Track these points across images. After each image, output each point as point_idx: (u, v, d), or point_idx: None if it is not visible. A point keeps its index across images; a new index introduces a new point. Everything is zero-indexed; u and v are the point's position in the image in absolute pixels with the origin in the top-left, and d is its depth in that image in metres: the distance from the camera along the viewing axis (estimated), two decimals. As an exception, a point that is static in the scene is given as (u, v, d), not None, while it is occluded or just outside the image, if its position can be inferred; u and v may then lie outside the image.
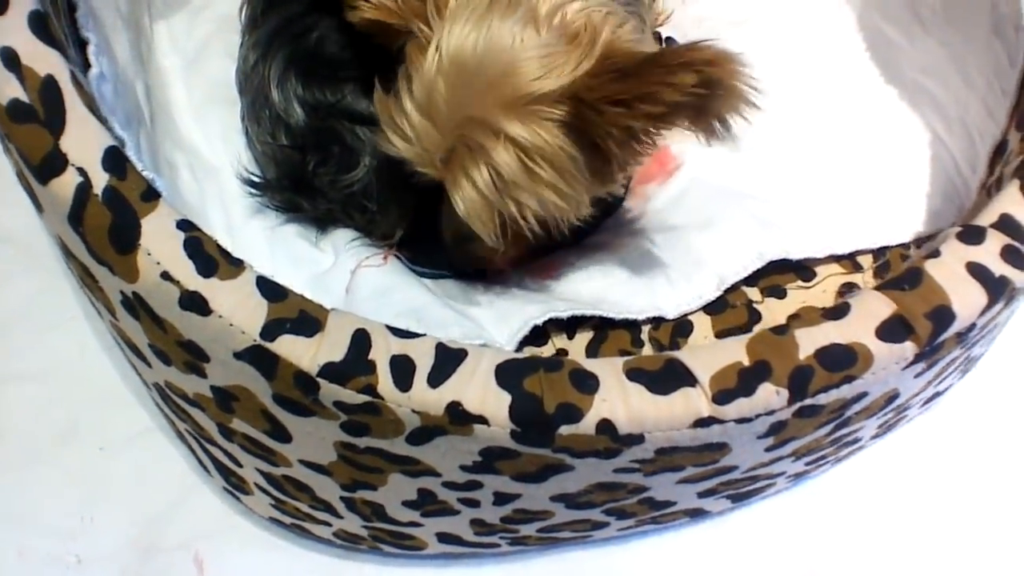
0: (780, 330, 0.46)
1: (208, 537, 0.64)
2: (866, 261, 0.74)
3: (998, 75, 0.69)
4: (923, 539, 0.67)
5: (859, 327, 0.46)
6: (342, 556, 0.63)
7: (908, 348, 0.46)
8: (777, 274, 0.73)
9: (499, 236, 0.57)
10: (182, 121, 0.77)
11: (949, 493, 0.69)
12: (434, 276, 0.71)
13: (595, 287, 0.71)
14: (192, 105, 0.78)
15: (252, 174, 0.72)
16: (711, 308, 0.71)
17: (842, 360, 0.45)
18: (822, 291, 0.73)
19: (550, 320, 0.68)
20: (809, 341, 0.45)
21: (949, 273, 0.47)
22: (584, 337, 0.70)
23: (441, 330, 0.65)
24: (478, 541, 0.58)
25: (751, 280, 0.72)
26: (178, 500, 0.66)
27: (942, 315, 0.46)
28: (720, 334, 0.70)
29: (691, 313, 0.71)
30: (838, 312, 0.47)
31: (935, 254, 0.49)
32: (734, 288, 0.72)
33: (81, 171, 0.44)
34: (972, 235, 0.49)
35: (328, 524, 0.58)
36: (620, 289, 0.71)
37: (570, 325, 0.70)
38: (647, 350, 0.70)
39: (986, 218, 0.50)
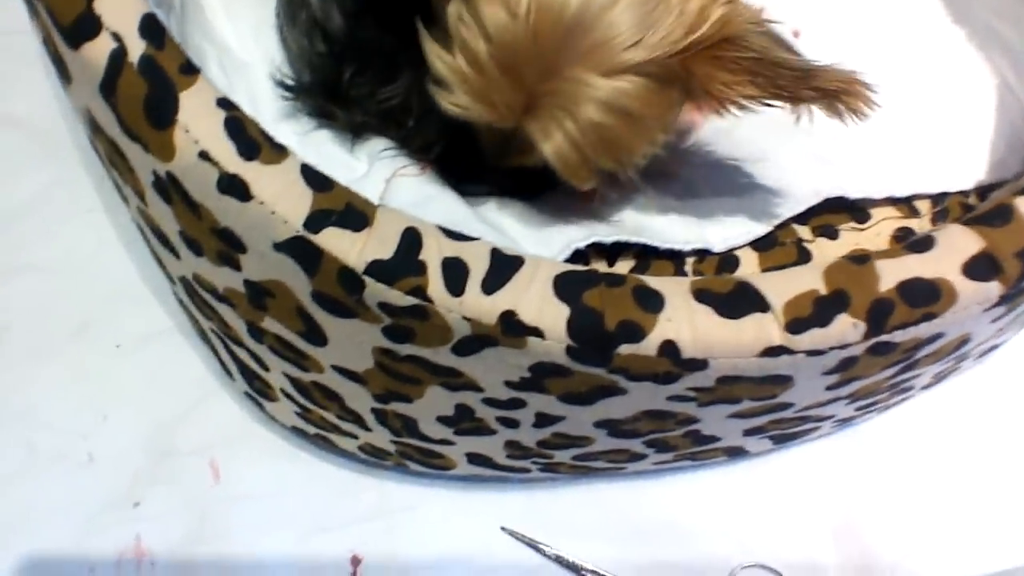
0: (860, 259, 0.43)
1: (225, 443, 0.62)
2: (924, 206, 0.70)
3: (1080, 22, 0.65)
4: (960, 491, 0.65)
5: (945, 262, 0.43)
6: (363, 471, 0.61)
7: (994, 288, 0.43)
8: (830, 213, 0.69)
9: (595, 181, 0.55)
10: (212, 11, 0.72)
11: (988, 448, 0.66)
12: (474, 194, 0.68)
13: (639, 215, 0.68)
14: (224, -6, 0.73)
15: (285, 76, 0.68)
16: (759, 244, 0.68)
17: (925, 295, 0.42)
18: (876, 234, 0.69)
19: (591, 245, 0.64)
20: (891, 273, 0.42)
21: (1043, 211, 0.44)
22: (625, 265, 0.67)
23: (480, 246, 0.62)
24: (509, 465, 0.56)
25: (802, 218, 0.69)
26: (195, 404, 0.63)
27: (1033, 255, 0.43)
28: (767, 271, 0.67)
29: (738, 248, 0.68)
30: (922, 245, 0.44)
31: (1027, 191, 0.45)
32: (784, 225, 0.68)
33: (116, 36, 0.41)
34: (1069, 173, 0.46)
35: (355, 436, 0.56)
36: (665, 219, 0.68)
37: (612, 252, 0.67)
38: (690, 282, 0.67)
39: (1084, 157, 0.46)
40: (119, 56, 0.41)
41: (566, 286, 0.41)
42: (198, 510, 0.60)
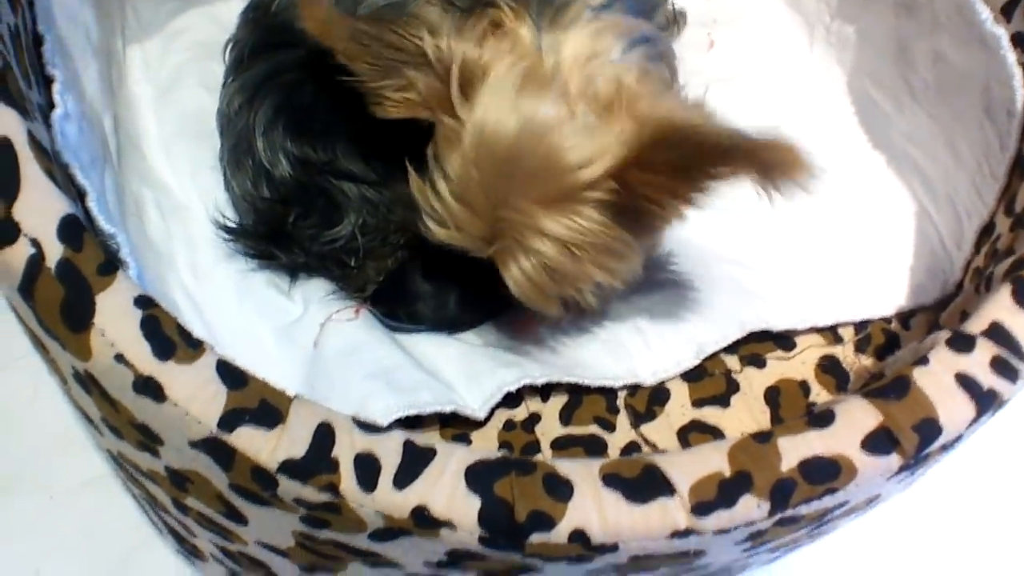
0: (763, 437, 0.44)
1: (160, 596, 0.62)
2: (847, 333, 0.73)
3: (988, 157, 0.68)
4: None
5: (844, 438, 0.44)
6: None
7: (893, 461, 0.45)
8: (756, 342, 0.71)
9: (559, 309, 0.58)
10: (151, 155, 0.74)
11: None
12: (407, 331, 0.69)
13: (572, 349, 0.70)
14: (162, 138, 0.75)
15: (227, 219, 0.70)
16: (689, 375, 0.70)
17: (825, 473, 0.43)
18: (801, 363, 0.71)
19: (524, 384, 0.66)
20: (793, 451, 0.44)
21: (937, 384, 0.46)
22: (558, 401, 0.68)
23: (411, 393, 0.63)
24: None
25: (730, 347, 0.71)
26: (131, 553, 0.63)
27: (929, 428, 0.45)
28: (697, 403, 0.69)
29: (668, 380, 0.70)
30: (823, 420, 0.45)
31: (923, 361, 0.47)
32: (712, 355, 0.70)
33: (34, 242, 0.42)
34: (962, 343, 0.48)
35: (283, 599, 0.56)
36: (597, 352, 0.69)
37: (544, 388, 0.68)
38: (623, 416, 0.68)
39: (976, 325, 0.48)
40: (36, 261, 0.42)
41: (477, 476, 0.42)
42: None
